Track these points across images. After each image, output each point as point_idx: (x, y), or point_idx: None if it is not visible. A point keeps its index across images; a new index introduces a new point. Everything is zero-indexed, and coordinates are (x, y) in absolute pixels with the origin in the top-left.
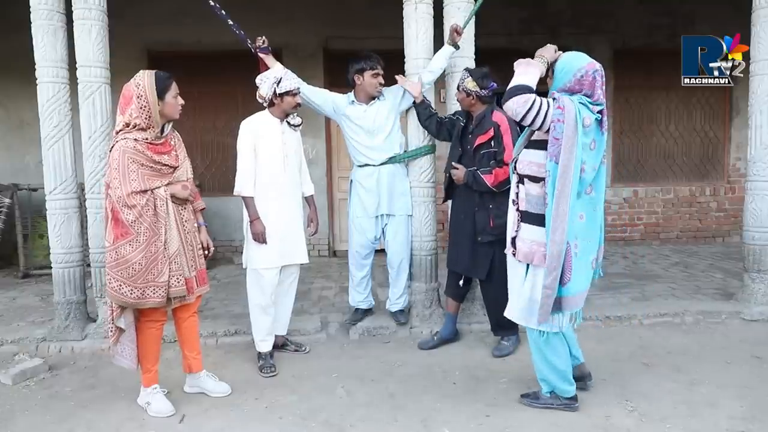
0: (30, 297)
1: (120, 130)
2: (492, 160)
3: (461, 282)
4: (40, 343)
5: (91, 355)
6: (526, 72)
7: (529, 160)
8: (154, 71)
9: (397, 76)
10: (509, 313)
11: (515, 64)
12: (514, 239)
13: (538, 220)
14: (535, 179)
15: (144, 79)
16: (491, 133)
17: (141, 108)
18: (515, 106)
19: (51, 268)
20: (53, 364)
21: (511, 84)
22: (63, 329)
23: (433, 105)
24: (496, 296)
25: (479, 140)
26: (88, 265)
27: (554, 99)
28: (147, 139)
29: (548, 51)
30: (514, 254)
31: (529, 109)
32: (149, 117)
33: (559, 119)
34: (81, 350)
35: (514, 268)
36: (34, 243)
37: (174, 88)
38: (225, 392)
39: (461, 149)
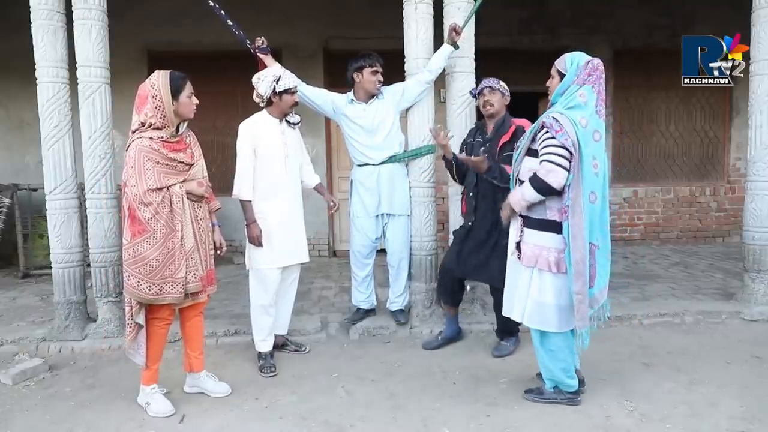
0: (30, 297)
1: (136, 129)
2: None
3: (467, 287)
4: (40, 343)
5: (91, 355)
6: (522, 198)
7: (530, 167)
8: (169, 71)
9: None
10: (513, 314)
11: (509, 205)
12: (518, 243)
13: (540, 225)
14: None
15: (159, 80)
16: (512, 131)
17: (156, 108)
18: (554, 183)
19: (51, 268)
20: (53, 364)
21: (531, 198)
22: (63, 329)
23: (432, 106)
24: None
25: (503, 140)
26: (88, 265)
27: (547, 128)
28: (163, 137)
29: (509, 206)
30: (519, 257)
31: (556, 175)
32: (164, 116)
33: (566, 138)
34: (81, 350)
35: (518, 271)
36: (34, 243)
37: (188, 88)
38: (225, 392)
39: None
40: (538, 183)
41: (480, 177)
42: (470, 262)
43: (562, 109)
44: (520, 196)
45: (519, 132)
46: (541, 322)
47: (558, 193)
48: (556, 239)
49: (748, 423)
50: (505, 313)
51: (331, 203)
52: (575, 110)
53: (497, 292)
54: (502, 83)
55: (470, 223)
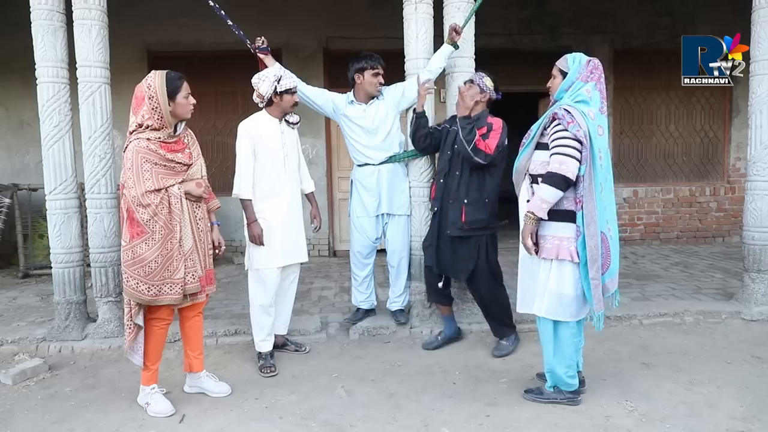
0: (30, 297)
1: (133, 131)
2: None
3: (440, 284)
4: (40, 343)
5: (91, 355)
6: (542, 201)
7: (541, 161)
8: (165, 72)
9: (420, 83)
10: (533, 309)
11: (527, 226)
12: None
13: (557, 216)
14: None
15: (155, 80)
16: (484, 130)
17: (153, 109)
18: (568, 173)
19: (51, 268)
20: (53, 364)
21: (550, 197)
22: (63, 329)
23: (432, 106)
24: (488, 296)
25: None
26: (88, 265)
27: (559, 119)
28: (160, 138)
29: (528, 227)
30: (536, 252)
31: (568, 166)
32: (161, 118)
33: (578, 129)
34: (81, 350)
35: (536, 265)
36: (34, 243)
37: (185, 88)
38: (225, 392)
39: (451, 153)
40: (553, 178)
41: (452, 163)
42: (443, 258)
43: (571, 102)
44: (539, 201)
45: (488, 129)
46: (561, 312)
47: (573, 184)
48: (572, 228)
49: (748, 423)
50: (521, 309)
51: (313, 223)
52: (582, 104)
53: (473, 287)
54: (485, 79)
55: (435, 209)
